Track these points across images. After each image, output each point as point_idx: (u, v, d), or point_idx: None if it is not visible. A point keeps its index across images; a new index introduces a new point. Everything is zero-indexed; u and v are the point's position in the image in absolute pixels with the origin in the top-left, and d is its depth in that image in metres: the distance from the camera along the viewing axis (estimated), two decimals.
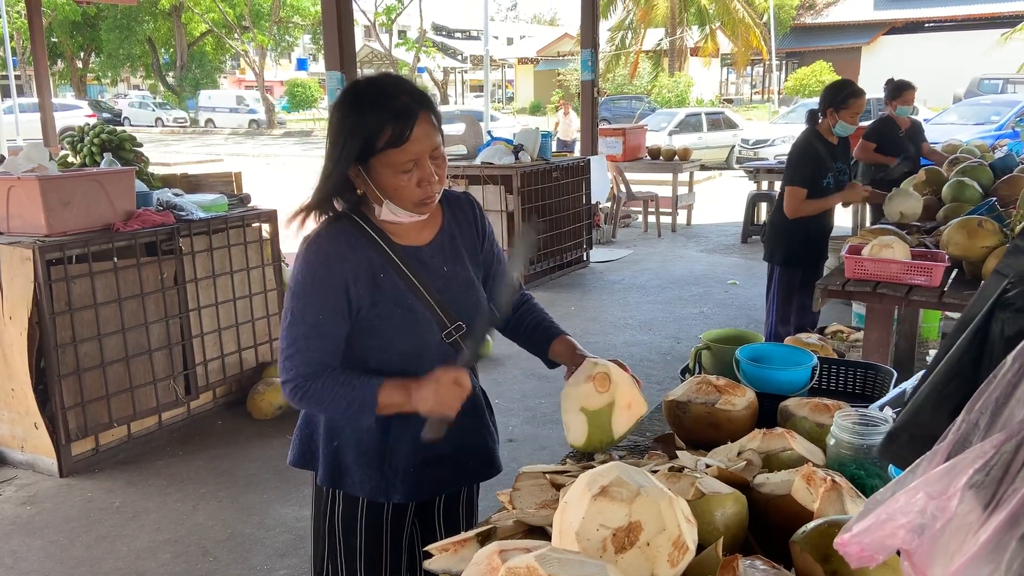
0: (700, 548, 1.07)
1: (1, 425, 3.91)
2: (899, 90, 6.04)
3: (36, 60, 9.53)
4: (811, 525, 1.11)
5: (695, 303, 6.82)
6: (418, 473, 1.73)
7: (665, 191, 10.39)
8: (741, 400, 1.63)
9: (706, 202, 12.09)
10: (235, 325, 4.57)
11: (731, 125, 18.52)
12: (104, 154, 4.56)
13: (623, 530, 1.01)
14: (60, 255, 3.69)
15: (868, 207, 6.59)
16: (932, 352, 4.45)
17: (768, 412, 1.66)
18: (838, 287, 3.17)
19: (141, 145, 5.00)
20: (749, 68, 38.29)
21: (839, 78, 5.18)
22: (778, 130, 17.41)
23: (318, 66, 43.02)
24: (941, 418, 0.85)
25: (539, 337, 1.85)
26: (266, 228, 4.79)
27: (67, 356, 3.75)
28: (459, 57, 44.97)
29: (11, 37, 23.42)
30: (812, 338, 2.81)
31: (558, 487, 1.39)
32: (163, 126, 33.60)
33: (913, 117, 6.31)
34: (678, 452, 1.47)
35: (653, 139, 13.18)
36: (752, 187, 9.81)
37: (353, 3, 6.30)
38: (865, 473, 1.34)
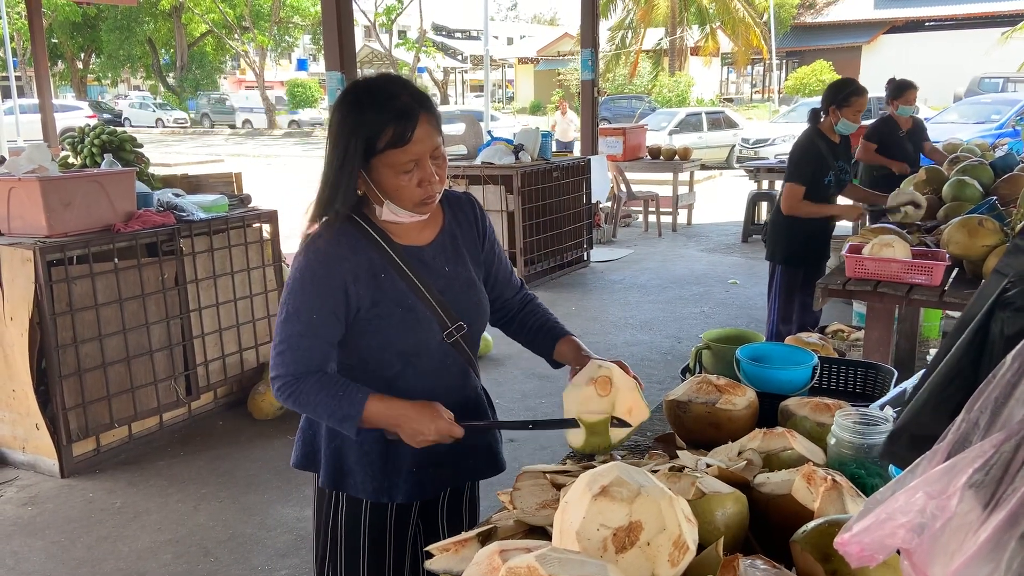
0: (701, 548, 1.07)
1: (2, 426, 3.91)
2: (901, 90, 6.02)
3: (36, 61, 9.54)
4: (811, 524, 1.11)
5: (696, 303, 6.82)
6: (420, 473, 1.73)
7: (665, 191, 10.39)
8: (742, 400, 1.63)
9: (706, 202, 12.09)
10: (236, 325, 4.58)
11: (731, 124, 18.51)
12: (105, 155, 4.56)
13: (623, 530, 1.01)
14: (61, 256, 3.69)
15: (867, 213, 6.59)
16: (933, 351, 4.44)
17: (769, 412, 1.67)
18: (839, 286, 3.17)
19: (141, 146, 5.01)
20: (749, 67, 38.29)
21: (840, 77, 5.18)
22: (778, 129, 17.40)
23: (318, 66, 43.07)
24: (942, 419, 0.85)
25: (543, 337, 1.85)
26: (266, 229, 4.79)
27: (68, 357, 3.75)
28: (459, 57, 44.97)
29: (11, 38, 23.43)
30: (813, 337, 2.81)
31: (559, 487, 1.39)
32: (163, 127, 33.61)
33: (915, 116, 6.30)
34: (679, 452, 1.47)
35: (653, 139, 13.18)
36: (752, 186, 9.81)
37: (353, 3, 6.30)
38: (866, 472, 1.34)
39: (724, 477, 1.28)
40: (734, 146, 17.88)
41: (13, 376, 3.77)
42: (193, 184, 5.06)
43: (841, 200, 4.64)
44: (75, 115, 22.80)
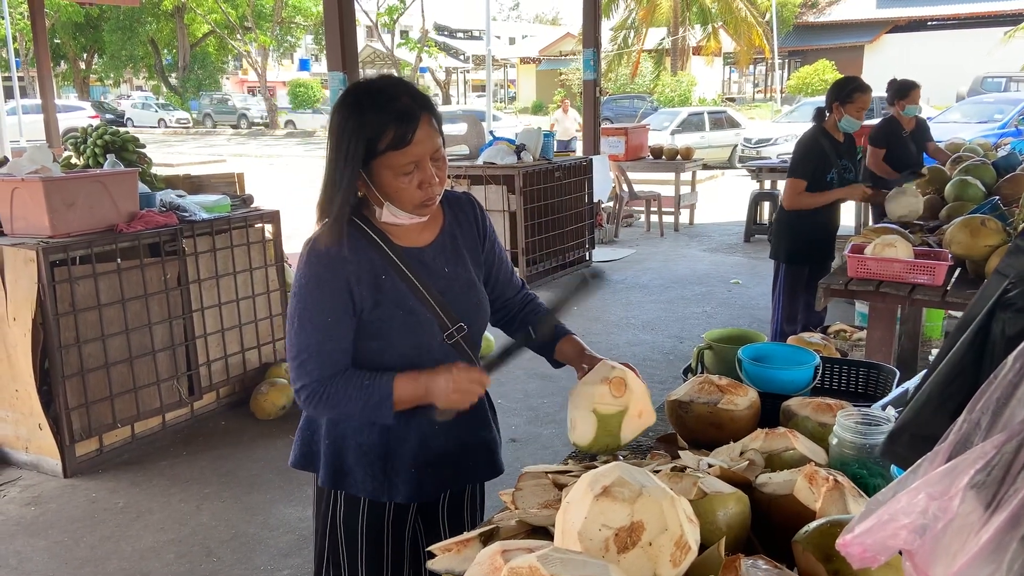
0: (702, 548, 1.07)
1: (5, 426, 3.92)
2: (906, 90, 6.02)
3: (39, 61, 9.55)
4: (813, 525, 1.11)
5: (698, 302, 6.82)
6: (420, 473, 1.73)
7: (667, 190, 10.38)
8: (743, 400, 1.63)
9: (709, 201, 12.08)
10: (238, 326, 4.58)
11: (733, 124, 18.49)
12: (107, 155, 4.57)
13: (625, 530, 1.01)
14: (64, 256, 3.70)
15: (871, 207, 6.58)
16: (935, 351, 4.44)
17: (770, 412, 1.67)
18: (841, 286, 3.17)
19: (144, 146, 5.02)
20: (752, 67, 38.27)
21: (842, 76, 5.19)
22: (781, 129, 17.38)
23: (320, 66, 43.08)
24: (943, 418, 0.85)
25: (545, 337, 1.85)
26: (269, 229, 4.80)
27: (71, 357, 3.76)
28: (461, 57, 44.98)
29: (14, 39, 23.49)
30: (815, 337, 2.81)
31: (560, 487, 1.40)
32: (166, 127, 33.65)
33: (918, 116, 6.29)
34: (680, 452, 1.47)
35: (655, 138, 13.17)
36: (755, 186, 9.80)
37: (355, 3, 6.30)
38: (868, 473, 1.34)
39: (726, 477, 1.28)
40: (736, 146, 17.87)
41: (16, 376, 3.77)
42: (195, 184, 5.07)
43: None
44: (78, 115, 22.83)
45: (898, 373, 1.90)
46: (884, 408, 1.56)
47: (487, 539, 1.25)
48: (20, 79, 25.38)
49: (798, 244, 4.43)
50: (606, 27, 30.89)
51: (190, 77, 36.57)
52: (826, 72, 28.59)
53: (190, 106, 36.16)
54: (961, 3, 29.19)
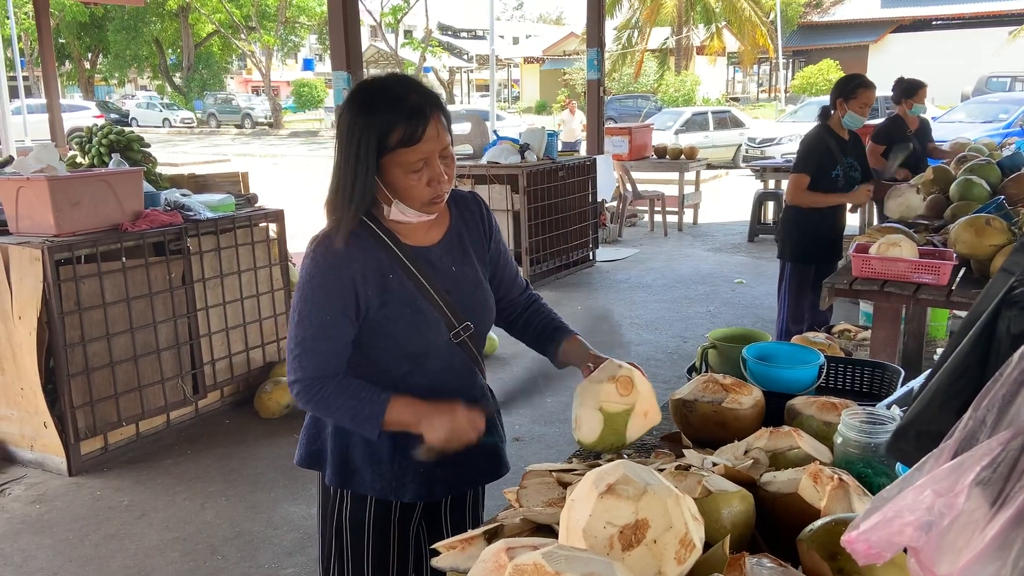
0: (707, 546, 1.07)
1: (10, 424, 3.93)
2: (913, 89, 6.02)
3: (44, 61, 9.58)
4: (818, 523, 1.11)
5: (701, 302, 6.81)
6: (428, 473, 1.73)
7: (671, 190, 10.37)
8: (748, 399, 1.63)
9: (712, 201, 12.07)
10: (242, 324, 4.59)
11: (737, 124, 18.47)
12: (112, 155, 4.59)
13: (630, 527, 1.01)
14: (69, 255, 3.71)
15: (875, 205, 6.57)
16: (940, 351, 4.43)
17: (775, 411, 1.66)
18: (845, 286, 3.16)
19: (149, 145, 5.03)
20: (756, 66, 38.22)
21: (846, 75, 5.19)
22: (785, 129, 17.35)
23: (324, 66, 43.15)
24: (948, 416, 0.85)
25: (548, 337, 1.84)
26: (273, 228, 4.80)
27: (76, 355, 3.77)
28: (465, 57, 44.97)
29: (19, 38, 23.54)
30: (819, 337, 2.81)
31: (565, 485, 1.40)
32: (170, 127, 33.71)
33: (922, 116, 6.28)
34: (684, 450, 1.48)
35: (659, 138, 13.16)
36: (759, 186, 9.79)
37: (359, 3, 6.31)
38: (872, 471, 1.34)
39: (730, 476, 1.28)
40: (740, 145, 17.84)
41: (21, 374, 3.78)
42: (200, 183, 5.08)
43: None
44: (82, 115, 22.85)
45: (903, 372, 1.90)
46: (889, 407, 1.56)
47: (491, 537, 1.25)
48: (25, 79, 25.44)
49: (804, 243, 4.43)
50: (610, 26, 30.86)
51: (194, 77, 36.63)
52: (830, 72, 28.54)
53: (194, 106, 36.22)
54: (966, 3, 29.12)
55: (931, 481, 0.62)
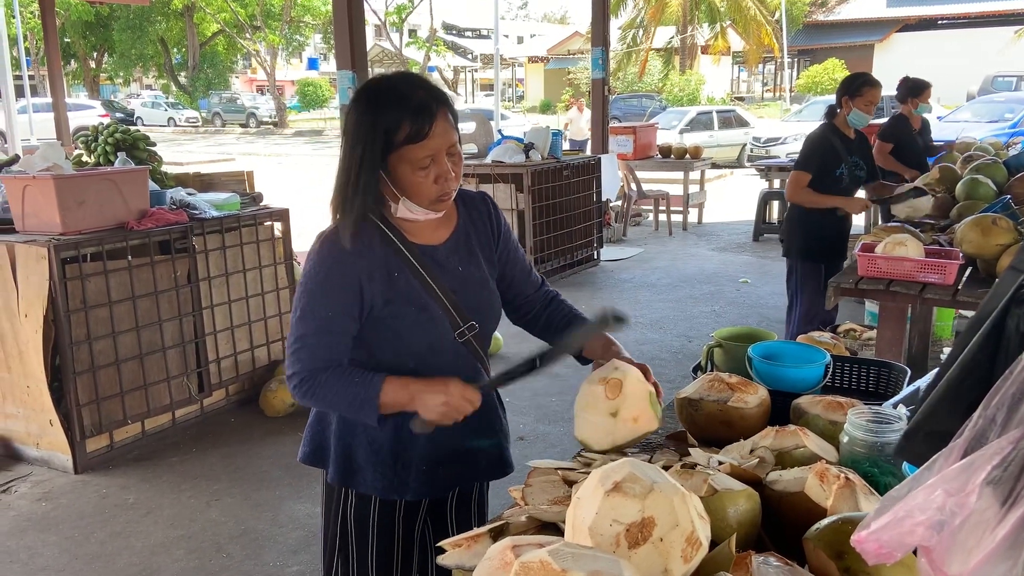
0: (713, 545, 1.07)
1: (17, 422, 3.94)
2: (919, 89, 6.04)
3: (49, 60, 9.61)
4: (825, 522, 1.10)
5: (706, 301, 6.80)
6: (431, 471, 1.73)
7: (676, 189, 10.36)
8: (754, 398, 1.63)
9: (717, 200, 12.05)
10: (247, 323, 4.60)
11: (742, 123, 18.44)
12: (118, 153, 4.59)
13: (636, 525, 1.01)
14: (75, 253, 3.72)
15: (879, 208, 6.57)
16: (946, 351, 4.41)
17: (781, 410, 1.66)
18: (851, 285, 3.15)
19: (154, 144, 5.04)
20: (761, 66, 38.14)
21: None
22: (790, 128, 17.32)
23: (329, 65, 43.17)
24: (957, 415, 0.84)
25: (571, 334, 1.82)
26: (278, 227, 4.81)
27: (82, 353, 3.78)
28: (469, 56, 44.98)
29: (25, 37, 23.60)
30: (825, 336, 2.80)
31: (570, 483, 1.40)
32: (175, 126, 33.77)
33: (924, 116, 6.30)
34: (690, 449, 1.47)
35: (664, 137, 13.15)
36: (764, 185, 9.78)
37: (364, 2, 6.31)
38: (879, 471, 1.33)
39: (736, 474, 1.28)
40: (745, 145, 17.81)
41: (27, 373, 3.79)
42: (205, 182, 5.09)
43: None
44: (88, 114, 22.89)
45: (909, 372, 1.89)
46: (895, 406, 1.55)
47: (497, 535, 1.25)
48: (31, 78, 25.53)
49: (811, 241, 4.42)
50: (615, 26, 30.88)
51: (199, 76, 36.68)
52: (836, 71, 28.47)
53: (199, 105, 36.28)
54: (972, 2, 29.03)
55: (942, 480, 0.61)
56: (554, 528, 1.25)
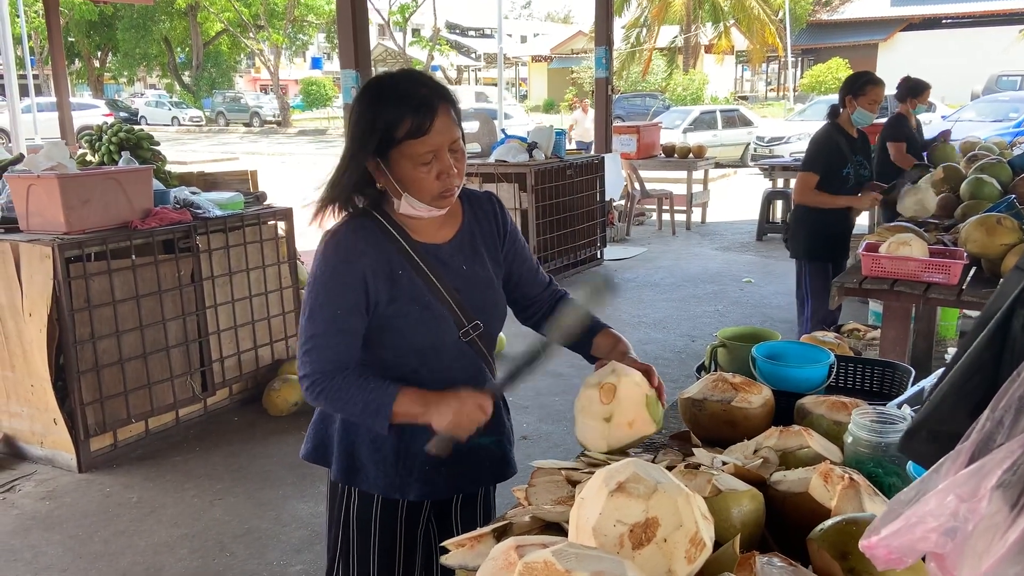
0: (717, 545, 1.07)
1: (21, 421, 3.95)
2: (919, 89, 6.06)
3: (54, 59, 9.63)
4: (829, 523, 1.10)
5: (710, 301, 6.79)
6: (433, 472, 1.72)
7: (680, 189, 10.35)
8: (757, 398, 1.62)
9: (721, 200, 12.04)
10: (251, 322, 4.60)
11: (746, 122, 18.41)
12: (122, 153, 4.60)
13: (640, 526, 1.01)
14: (79, 252, 3.72)
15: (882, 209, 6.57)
16: (950, 351, 4.41)
17: (785, 410, 1.66)
18: (855, 285, 3.15)
19: (158, 144, 5.04)
20: (764, 65, 38.07)
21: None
22: (793, 127, 17.29)
23: (332, 64, 43.17)
24: (961, 415, 0.84)
25: (580, 332, 1.78)
26: (282, 226, 4.81)
27: (86, 352, 3.78)
28: (473, 55, 44.98)
29: (29, 37, 23.65)
30: (828, 336, 2.79)
31: (574, 484, 1.39)
32: (179, 125, 33.81)
33: (918, 116, 6.34)
34: (694, 449, 1.47)
35: (667, 137, 13.14)
36: (767, 185, 9.76)
37: (368, 1, 6.31)
38: (883, 471, 1.33)
39: (740, 475, 1.28)
40: (749, 144, 17.79)
41: (32, 371, 3.80)
42: (209, 181, 5.09)
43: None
44: (92, 113, 22.92)
45: (913, 372, 1.89)
46: (900, 407, 1.55)
47: (500, 535, 1.25)
48: (35, 77, 25.53)
49: (817, 241, 4.42)
50: (618, 25, 30.83)
51: (203, 75, 36.72)
52: (839, 70, 28.40)
53: (203, 104, 36.32)
54: (976, 1, 28.94)
55: (953, 485, 0.61)
56: (558, 528, 1.25)
